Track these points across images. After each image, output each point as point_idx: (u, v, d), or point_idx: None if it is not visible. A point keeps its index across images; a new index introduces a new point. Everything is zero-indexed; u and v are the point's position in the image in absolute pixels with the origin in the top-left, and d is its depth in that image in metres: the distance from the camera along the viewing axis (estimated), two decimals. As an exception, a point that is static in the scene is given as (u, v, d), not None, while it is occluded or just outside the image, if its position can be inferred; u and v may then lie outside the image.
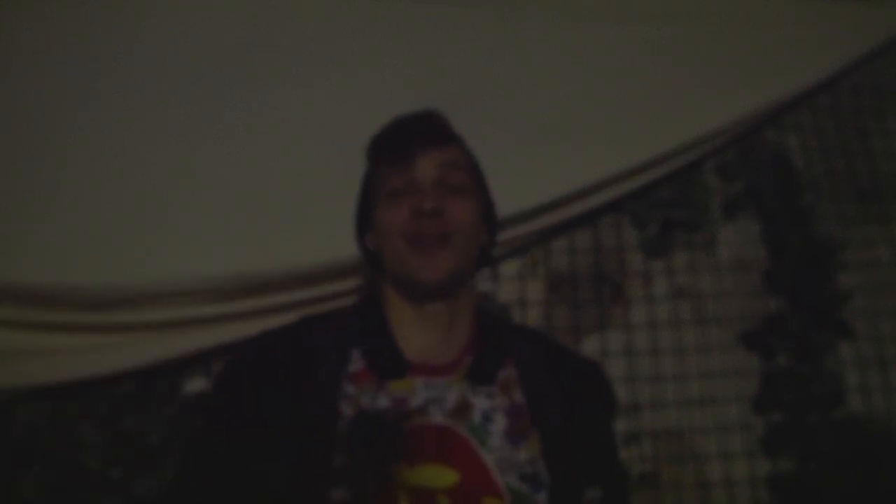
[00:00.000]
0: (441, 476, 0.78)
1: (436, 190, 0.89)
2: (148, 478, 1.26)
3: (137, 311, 1.25)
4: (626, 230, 1.53)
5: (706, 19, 1.57)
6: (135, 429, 1.29)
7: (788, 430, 1.41)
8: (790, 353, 1.46)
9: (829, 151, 1.63)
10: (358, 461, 0.77)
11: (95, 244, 1.25)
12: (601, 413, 0.97)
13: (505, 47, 1.51)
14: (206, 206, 1.30)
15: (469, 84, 1.42)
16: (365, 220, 0.99)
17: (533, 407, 0.86)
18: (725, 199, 1.57)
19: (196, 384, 1.33)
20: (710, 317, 1.49)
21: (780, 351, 1.46)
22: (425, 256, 0.87)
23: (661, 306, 1.49)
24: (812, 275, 1.50)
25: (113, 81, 1.38)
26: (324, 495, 0.75)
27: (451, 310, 0.91)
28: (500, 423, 0.83)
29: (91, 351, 1.26)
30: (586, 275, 1.50)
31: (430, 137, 0.92)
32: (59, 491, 1.25)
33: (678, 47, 1.53)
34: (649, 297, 1.50)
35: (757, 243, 1.54)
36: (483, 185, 0.99)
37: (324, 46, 1.45)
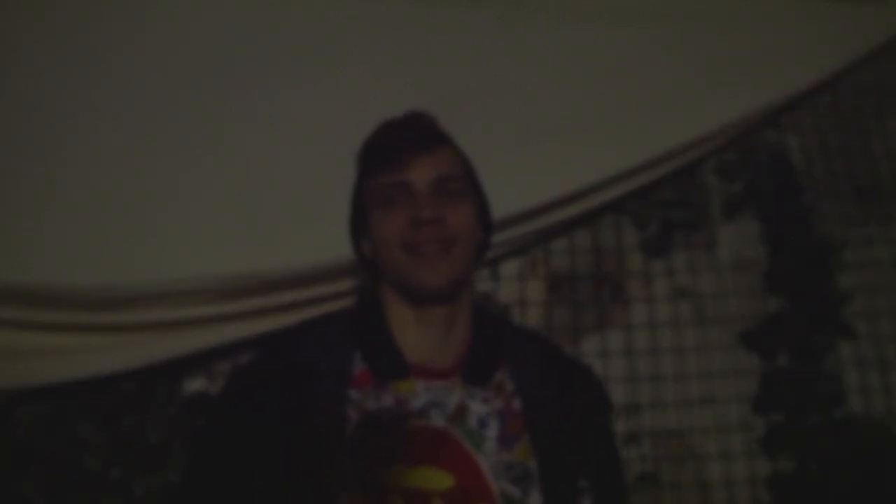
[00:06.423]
0: (437, 479, 0.77)
1: (433, 197, 0.87)
2: (148, 478, 1.26)
3: (137, 311, 1.25)
4: (626, 230, 1.53)
5: (706, 19, 1.57)
6: (135, 429, 1.29)
7: (788, 430, 1.41)
8: (790, 354, 1.46)
9: (829, 151, 1.63)
10: (359, 463, 0.77)
11: (95, 244, 1.25)
12: (595, 417, 0.97)
13: (504, 47, 1.50)
14: (207, 206, 1.30)
15: (469, 84, 1.42)
16: (359, 226, 0.97)
17: (528, 410, 0.85)
18: (725, 199, 1.57)
19: (196, 384, 1.33)
20: (710, 317, 1.49)
21: (780, 351, 1.46)
22: (426, 265, 0.85)
23: (661, 306, 1.49)
24: (812, 275, 1.50)
25: (112, 81, 1.38)
26: (334, 501, 0.75)
27: (452, 311, 0.90)
28: (494, 429, 0.83)
29: (91, 351, 1.26)
30: (586, 275, 1.50)
31: (423, 141, 0.90)
32: (59, 491, 1.25)
33: (678, 47, 1.53)
34: (649, 297, 1.50)
35: (757, 243, 1.54)
36: (476, 183, 0.97)
37: (324, 46, 1.45)
